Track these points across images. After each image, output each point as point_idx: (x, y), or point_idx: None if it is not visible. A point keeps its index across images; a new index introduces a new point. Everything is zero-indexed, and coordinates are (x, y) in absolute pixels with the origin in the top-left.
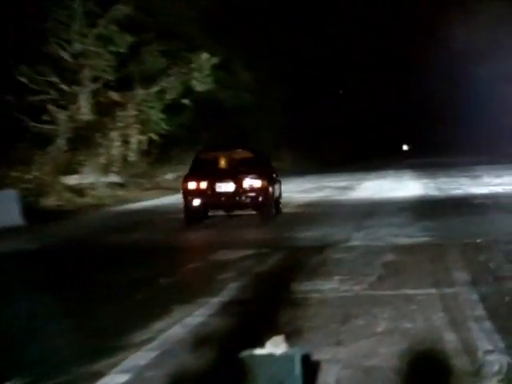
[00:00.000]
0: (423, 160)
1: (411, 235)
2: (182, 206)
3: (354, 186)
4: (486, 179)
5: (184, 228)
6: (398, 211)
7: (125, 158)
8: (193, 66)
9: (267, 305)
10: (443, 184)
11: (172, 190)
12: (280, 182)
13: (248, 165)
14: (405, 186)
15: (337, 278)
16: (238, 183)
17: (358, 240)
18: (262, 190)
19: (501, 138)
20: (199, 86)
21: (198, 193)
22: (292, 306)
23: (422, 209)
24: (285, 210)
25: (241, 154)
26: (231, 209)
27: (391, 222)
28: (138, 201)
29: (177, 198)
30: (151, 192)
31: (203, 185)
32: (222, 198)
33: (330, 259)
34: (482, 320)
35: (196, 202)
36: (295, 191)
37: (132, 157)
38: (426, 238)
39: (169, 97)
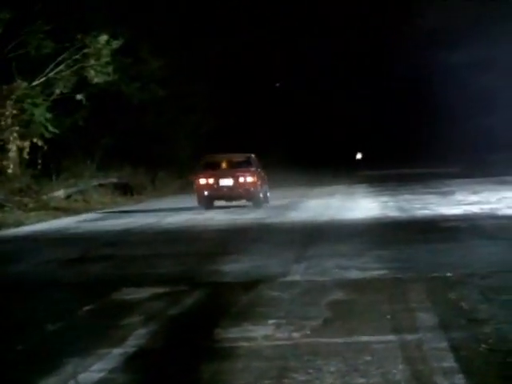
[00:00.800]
0: (381, 172)
1: (365, 268)
2: (77, 231)
3: (294, 205)
4: (459, 196)
5: (80, 259)
6: (348, 237)
7: (1, 170)
8: (88, 51)
9: (183, 356)
10: (406, 203)
11: (64, 210)
12: (266, 178)
13: (243, 166)
14: (358, 205)
15: (272, 322)
16: (236, 179)
17: (298, 274)
18: (252, 185)
19: (477, 143)
20: (97, 77)
21: (206, 187)
22: (215, 357)
23: (380, 234)
24: (205, 236)
25: (237, 157)
26: (230, 199)
27: (340, 250)
28: (20, 225)
29: (72, 221)
30: (37, 213)
31: (210, 181)
32: (224, 190)
33: (263, 298)
34: (452, 374)
35: (205, 193)
36: (221, 211)
37: (11, 168)
38: (383, 271)
39: (58, 91)
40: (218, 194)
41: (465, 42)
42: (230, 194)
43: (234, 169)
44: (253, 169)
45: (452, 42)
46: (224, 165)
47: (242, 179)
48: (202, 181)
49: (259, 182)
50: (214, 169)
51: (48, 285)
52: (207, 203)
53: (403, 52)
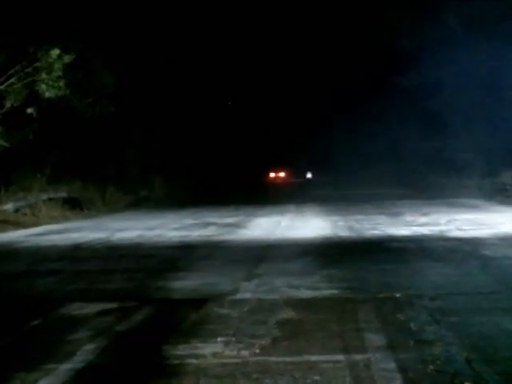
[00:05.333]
0: (332, 192)
1: (314, 287)
2: (25, 244)
3: (244, 223)
4: (408, 217)
5: (27, 273)
6: (298, 256)
7: None
8: (40, 64)
9: (132, 373)
10: (356, 223)
11: (12, 224)
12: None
13: (283, 169)
14: (308, 225)
15: (220, 339)
16: (280, 173)
17: (248, 292)
18: (286, 176)
19: (427, 165)
20: (48, 91)
21: (271, 176)
22: (163, 374)
23: (329, 253)
24: (155, 252)
25: (281, 167)
26: (279, 179)
27: (290, 269)
28: None
29: (21, 235)
30: None
31: (272, 174)
32: (277, 176)
33: (212, 316)
34: None
35: (271, 177)
36: (171, 228)
37: None
38: (332, 291)
39: (9, 104)
40: (275, 177)
41: (413, 66)
42: (278, 178)
43: (280, 170)
44: (286, 171)
45: (401, 64)
46: (277, 169)
47: (282, 174)
48: (270, 174)
49: (287, 175)
50: (273, 170)
51: None
52: (271, 181)
53: (356, 72)
